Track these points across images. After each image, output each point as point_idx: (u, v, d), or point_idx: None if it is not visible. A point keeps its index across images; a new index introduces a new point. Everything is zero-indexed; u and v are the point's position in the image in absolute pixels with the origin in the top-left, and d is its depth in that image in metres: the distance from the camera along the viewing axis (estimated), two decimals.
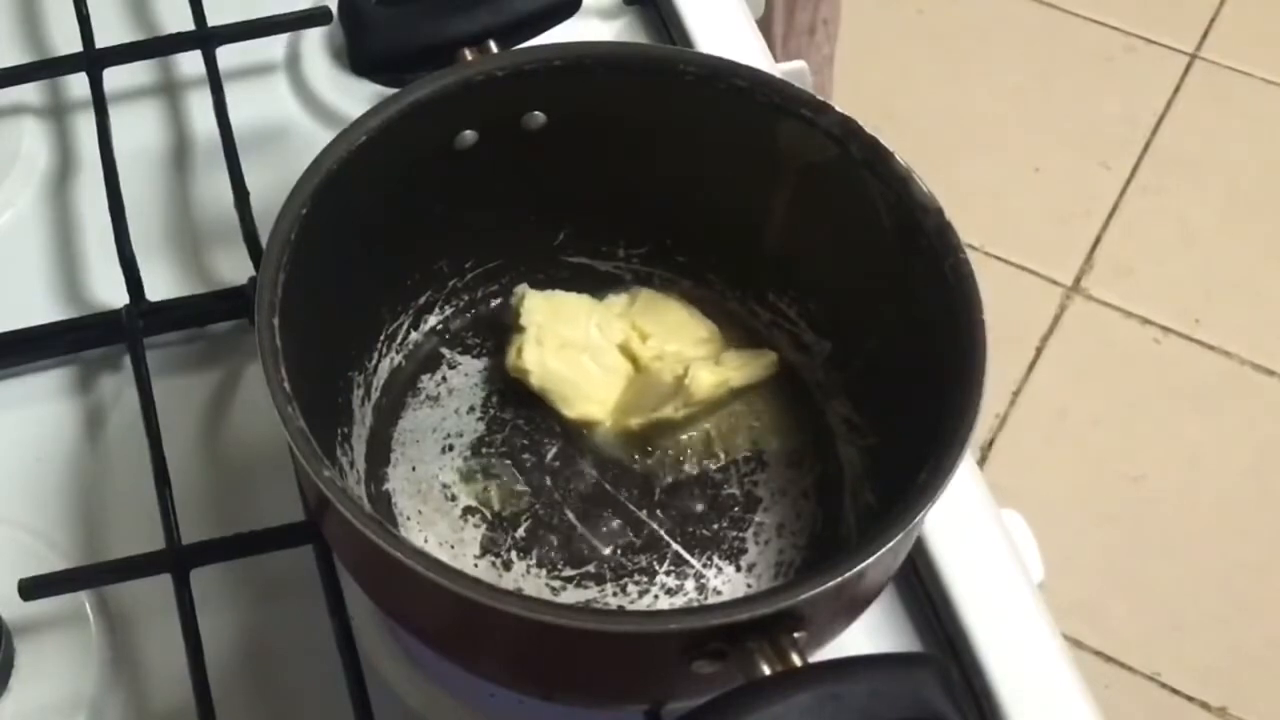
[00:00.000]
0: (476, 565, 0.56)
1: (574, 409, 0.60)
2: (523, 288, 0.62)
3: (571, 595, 0.56)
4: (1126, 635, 1.49)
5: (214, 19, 0.74)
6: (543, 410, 0.60)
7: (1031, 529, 0.63)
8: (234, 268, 0.69)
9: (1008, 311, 1.69)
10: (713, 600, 0.56)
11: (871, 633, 0.58)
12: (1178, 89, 1.93)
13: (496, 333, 0.62)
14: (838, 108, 0.56)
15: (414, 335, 0.62)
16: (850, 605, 0.50)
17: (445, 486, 0.58)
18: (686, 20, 0.76)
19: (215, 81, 0.72)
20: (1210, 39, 1.97)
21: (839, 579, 0.45)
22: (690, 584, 0.56)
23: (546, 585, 0.56)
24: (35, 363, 0.66)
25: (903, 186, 0.54)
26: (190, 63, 0.75)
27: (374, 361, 0.60)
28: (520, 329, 0.61)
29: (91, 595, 0.59)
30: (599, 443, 0.60)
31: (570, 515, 0.58)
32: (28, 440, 0.64)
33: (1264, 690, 1.46)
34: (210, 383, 0.66)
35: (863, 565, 0.45)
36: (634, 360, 0.61)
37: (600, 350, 0.61)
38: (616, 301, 0.63)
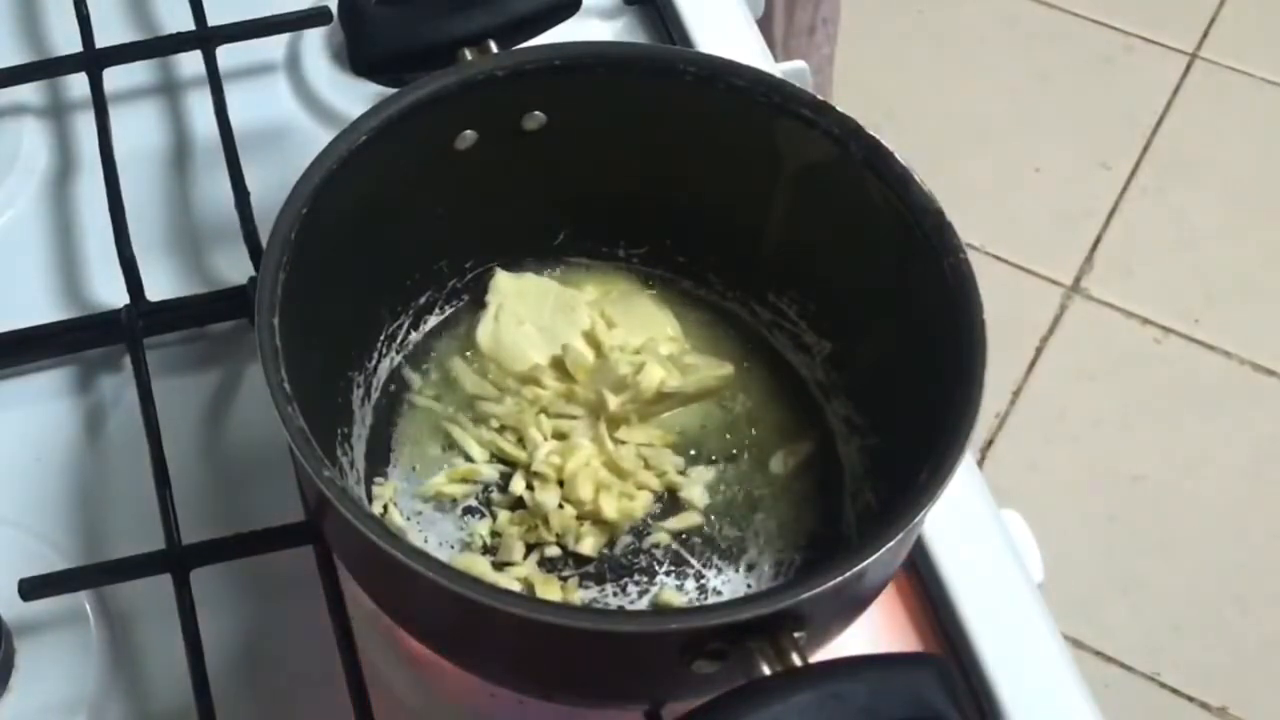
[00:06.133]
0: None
1: (522, 365, 0.60)
2: (493, 268, 0.62)
3: (572, 595, 0.56)
4: (1126, 635, 1.49)
5: (214, 19, 0.74)
6: None
7: (1031, 529, 0.63)
8: (234, 268, 0.69)
9: (1008, 311, 1.69)
10: (713, 600, 0.56)
11: (871, 633, 0.58)
12: (1178, 89, 1.93)
13: None
14: (838, 108, 0.56)
15: (414, 335, 0.62)
16: (850, 605, 0.50)
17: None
18: (686, 20, 0.76)
19: (215, 81, 0.72)
20: (1210, 39, 1.97)
21: (839, 579, 0.45)
22: (690, 584, 0.56)
23: None
24: (35, 363, 0.66)
25: (903, 186, 0.54)
26: (190, 63, 0.75)
27: (374, 361, 0.60)
28: (484, 305, 0.61)
29: (91, 595, 0.59)
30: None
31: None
32: (28, 440, 0.64)
33: (1264, 690, 1.46)
34: (210, 383, 0.66)
35: (863, 565, 0.45)
36: (597, 347, 0.61)
37: (561, 334, 0.61)
38: (590, 289, 0.63)
